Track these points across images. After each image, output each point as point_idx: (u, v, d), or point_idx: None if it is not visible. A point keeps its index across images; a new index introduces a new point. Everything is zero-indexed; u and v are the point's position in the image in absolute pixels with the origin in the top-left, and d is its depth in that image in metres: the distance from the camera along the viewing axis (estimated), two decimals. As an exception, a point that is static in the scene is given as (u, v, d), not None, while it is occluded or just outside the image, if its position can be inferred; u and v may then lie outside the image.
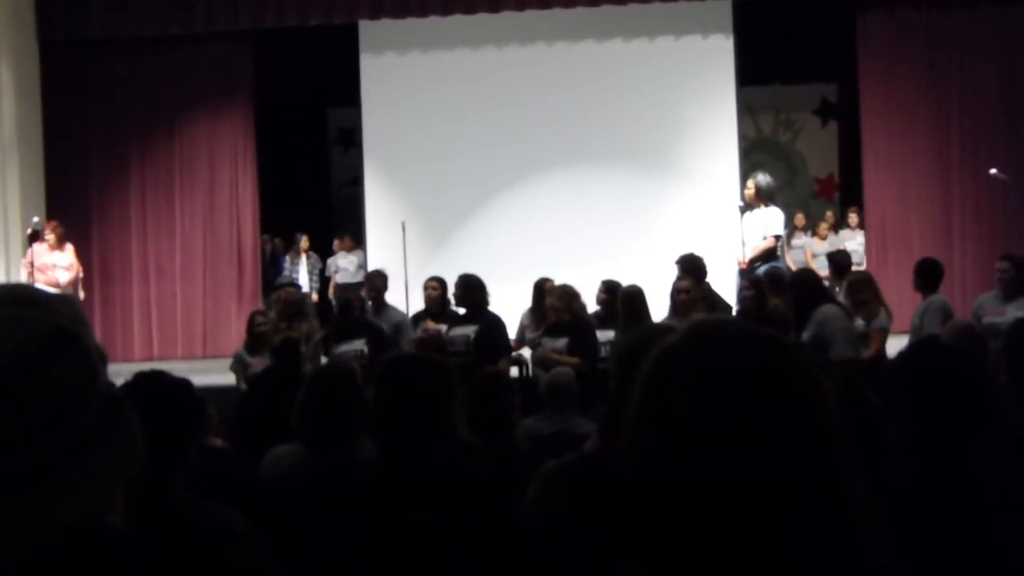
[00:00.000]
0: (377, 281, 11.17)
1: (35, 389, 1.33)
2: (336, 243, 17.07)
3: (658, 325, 4.29)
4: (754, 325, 1.47)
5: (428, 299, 10.57)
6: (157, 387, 3.30)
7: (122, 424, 1.43)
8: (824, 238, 16.51)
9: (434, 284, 10.71)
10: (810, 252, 16.10)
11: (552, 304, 9.87)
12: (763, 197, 12.13)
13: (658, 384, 1.40)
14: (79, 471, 1.35)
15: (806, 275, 10.04)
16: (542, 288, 10.92)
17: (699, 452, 1.33)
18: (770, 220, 12.03)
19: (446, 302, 10.64)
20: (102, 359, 1.45)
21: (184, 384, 3.41)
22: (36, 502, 1.32)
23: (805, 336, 8.48)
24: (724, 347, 1.39)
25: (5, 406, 1.31)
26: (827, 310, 8.68)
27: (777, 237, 12.18)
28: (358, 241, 16.40)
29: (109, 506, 1.44)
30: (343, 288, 15.47)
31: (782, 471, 1.32)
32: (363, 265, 15.62)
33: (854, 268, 12.42)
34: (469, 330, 9.80)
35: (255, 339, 10.15)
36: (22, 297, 1.42)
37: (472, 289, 10.14)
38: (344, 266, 16.35)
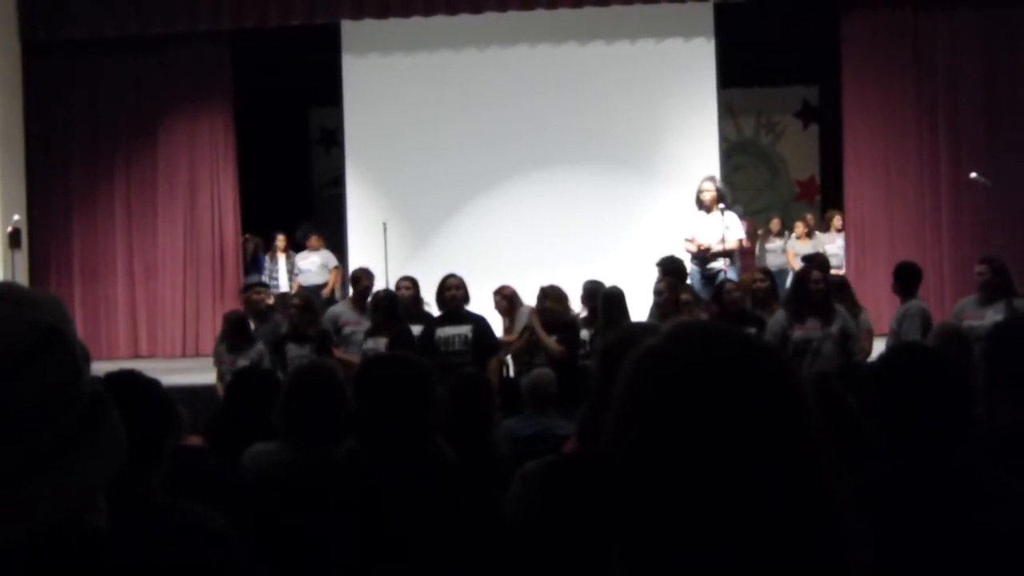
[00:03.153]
0: (364, 280, 11.22)
1: (18, 385, 1.33)
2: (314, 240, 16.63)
3: (640, 324, 4.31)
4: (734, 326, 1.48)
5: (401, 299, 10.62)
6: (126, 387, 3.28)
7: (105, 423, 1.43)
8: (804, 239, 16.53)
9: (407, 284, 10.86)
10: (792, 252, 16.13)
11: (552, 307, 10.03)
12: (724, 201, 12.26)
13: (639, 384, 1.40)
14: (60, 469, 1.35)
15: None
16: (513, 298, 11.11)
17: (678, 452, 1.33)
18: (732, 224, 12.16)
19: (419, 302, 10.74)
20: (86, 358, 1.45)
21: (153, 383, 3.39)
22: (16, 499, 1.32)
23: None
24: (705, 348, 1.40)
25: None
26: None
27: (740, 240, 12.29)
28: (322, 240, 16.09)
29: (90, 505, 1.43)
30: (308, 290, 14.79)
31: (762, 469, 1.32)
32: (326, 264, 15.40)
33: (833, 271, 12.47)
34: (463, 330, 9.81)
35: (231, 338, 10.23)
36: (7, 294, 1.42)
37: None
38: (306, 267, 15.60)
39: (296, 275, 15.68)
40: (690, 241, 12.24)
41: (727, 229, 12.10)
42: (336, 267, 15.35)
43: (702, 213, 12.32)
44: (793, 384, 1.39)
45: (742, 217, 13.39)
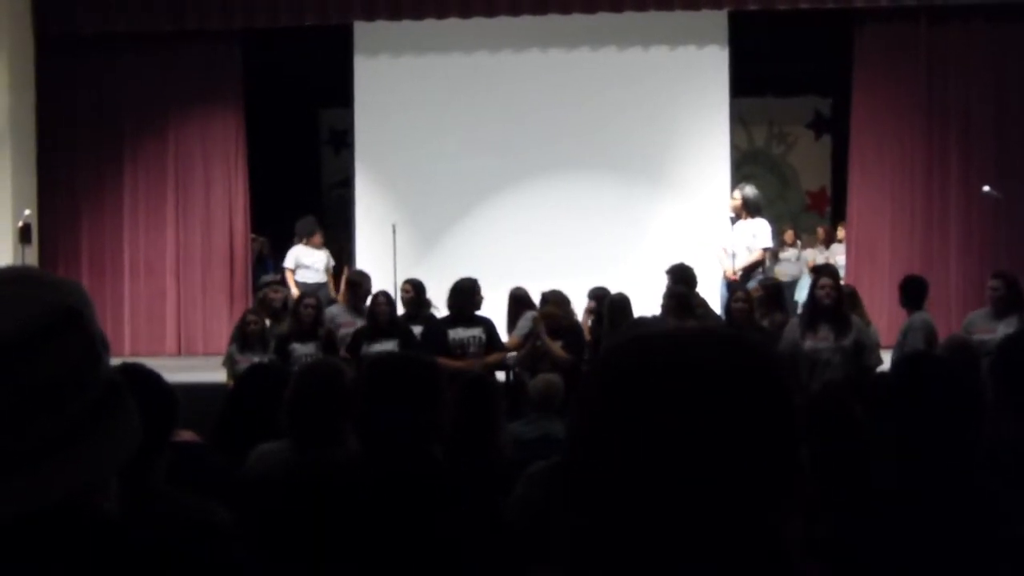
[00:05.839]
0: (366, 284, 11.27)
1: (33, 365, 1.34)
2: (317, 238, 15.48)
3: (643, 329, 4.32)
4: (712, 326, 1.44)
5: (401, 302, 10.85)
6: (129, 379, 3.27)
7: (119, 410, 1.44)
8: (814, 250, 16.54)
9: (406, 287, 11.08)
10: (813, 263, 16.12)
11: (551, 312, 10.03)
12: (750, 209, 12.23)
13: (595, 388, 1.34)
14: (70, 451, 1.36)
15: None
16: (522, 298, 11.08)
17: (636, 457, 1.27)
18: (759, 232, 12.13)
19: (422, 304, 10.82)
20: (104, 346, 1.46)
21: (156, 376, 3.39)
22: (23, 478, 1.32)
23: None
24: (670, 347, 1.34)
25: (3, 380, 1.31)
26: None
27: (766, 249, 12.27)
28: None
29: (100, 490, 1.44)
30: (307, 287, 13.35)
31: (727, 478, 1.26)
32: (327, 266, 14.61)
33: (842, 282, 12.49)
34: (476, 332, 9.90)
35: (246, 338, 10.25)
36: (30, 277, 1.44)
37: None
38: (310, 263, 14.35)
39: (293, 269, 14.26)
40: (724, 251, 12.26)
41: (753, 237, 12.10)
42: (331, 268, 14.89)
43: (740, 221, 12.31)
44: (780, 386, 1.33)
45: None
